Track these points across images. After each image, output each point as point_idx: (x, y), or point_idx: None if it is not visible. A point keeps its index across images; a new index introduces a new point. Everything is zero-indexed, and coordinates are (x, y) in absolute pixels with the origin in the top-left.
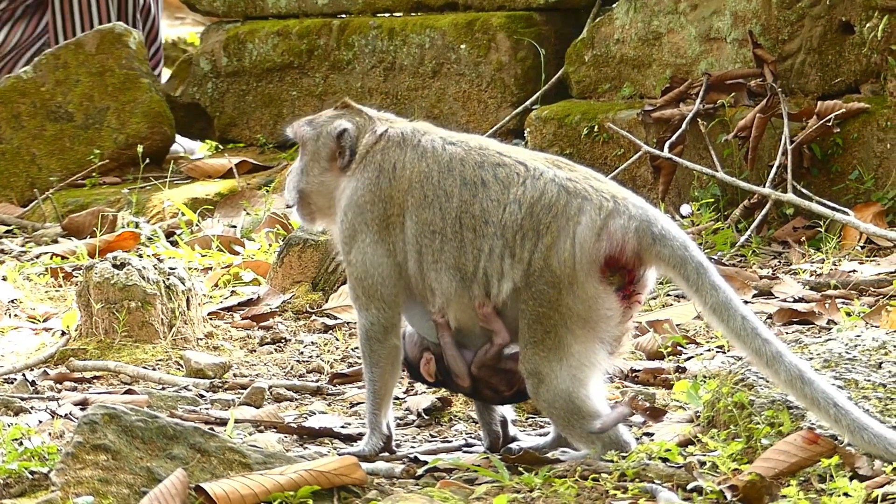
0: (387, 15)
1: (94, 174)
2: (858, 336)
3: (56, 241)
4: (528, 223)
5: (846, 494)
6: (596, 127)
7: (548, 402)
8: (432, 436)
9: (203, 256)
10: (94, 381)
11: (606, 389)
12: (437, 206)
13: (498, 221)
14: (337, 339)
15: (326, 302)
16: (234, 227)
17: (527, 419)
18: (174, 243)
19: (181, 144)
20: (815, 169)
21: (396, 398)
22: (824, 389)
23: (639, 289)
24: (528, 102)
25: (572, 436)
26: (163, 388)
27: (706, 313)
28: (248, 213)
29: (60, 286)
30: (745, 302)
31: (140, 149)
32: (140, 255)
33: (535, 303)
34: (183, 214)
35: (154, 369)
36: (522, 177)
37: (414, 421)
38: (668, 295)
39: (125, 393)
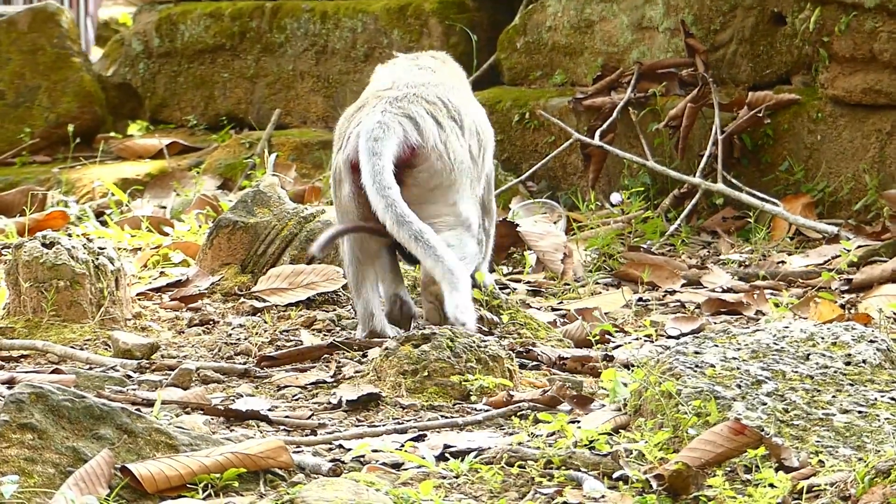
0: None
1: (24, 153)
2: (786, 327)
3: None
4: (338, 133)
5: (771, 485)
6: (527, 114)
7: None
8: (360, 420)
9: (132, 237)
10: (22, 359)
11: (534, 377)
12: None
13: None
14: (265, 322)
15: (255, 285)
16: (164, 207)
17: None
18: (104, 223)
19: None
20: (745, 159)
21: (324, 382)
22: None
23: None
24: None
25: None
26: (90, 368)
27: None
28: (178, 195)
29: None
30: (674, 291)
31: (71, 128)
32: (69, 235)
33: None
34: (113, 194)
35: (82, 349)
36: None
37: (341, 407)
38: (597, 283)
39: (52, 372)
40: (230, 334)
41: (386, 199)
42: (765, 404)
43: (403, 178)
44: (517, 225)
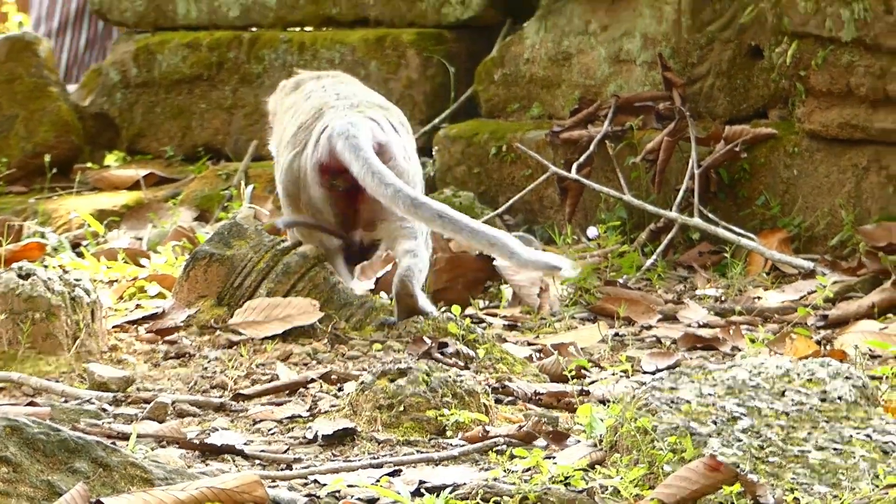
0: (297, 29)
1: (0, 183)
2: (762, 363)
3: None
4: (294, 139)
5: None
6: (504, 147)
7: None
8: (335, 455)
9: (108, 269)
10: None
11: (510, 413)
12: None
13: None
14: (241, 356)
15: (231, 317)
16: (141, 239)
17: None
18: (80, 255)
19: None
20: (721, 194)
21: (300, 416)
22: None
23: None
24: (436, 121)
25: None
26: (66, 401)
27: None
28: (154, 226)
29: None
30: (650, 327)
31: (47, 158)
32: (45, 266)
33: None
34: (89, 225)
35: (57, 381)
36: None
37: (317, 441)
38: (574, 318)
39: (27, 405)
40: (206, 367)
41: (391, 187)
42: (740, 441)
43: None
44: (493, 259)
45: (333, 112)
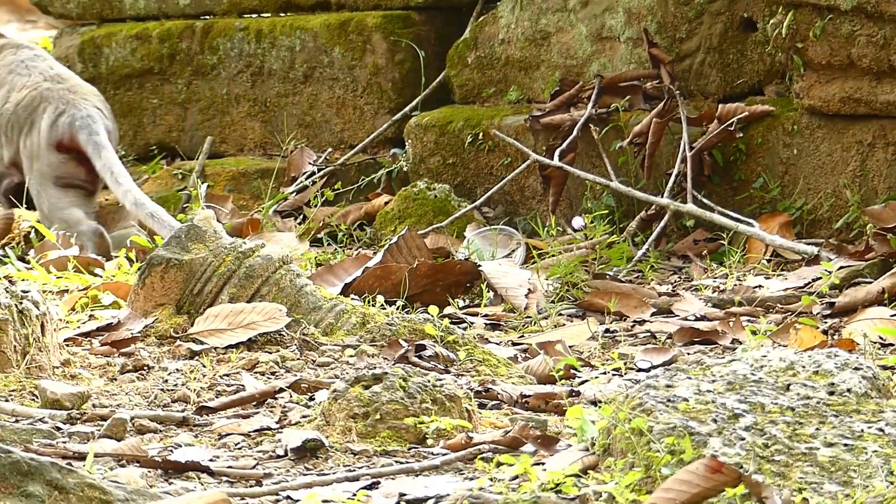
0: (254, 16)
1: None
2: (765, 356)
3: None
4: (16, 119)
5: None
6: (480, 134)
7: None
8: (308, 469)
9: (59, 278)
10: None
11: (495, 417)
12: None
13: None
14: (204, 366)
15: (192, 326)
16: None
17: None
18: (27, 264)
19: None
20: (716, 177)
21: (269, 428)
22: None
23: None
24: (406, 109)
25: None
26: (16, 421)
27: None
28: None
29: None
30: (643, 321)
31: None
32: None
33: (28, 167)
34: (38, 233)
35: (7, 400)
36: (23, 85)
37: (287, 455)
38: (560, 315)
39: None
40: (166, 380)
41: (122, 186)
42: (743, 439)
43: None
44: (479, 265)
45: (57, 95)
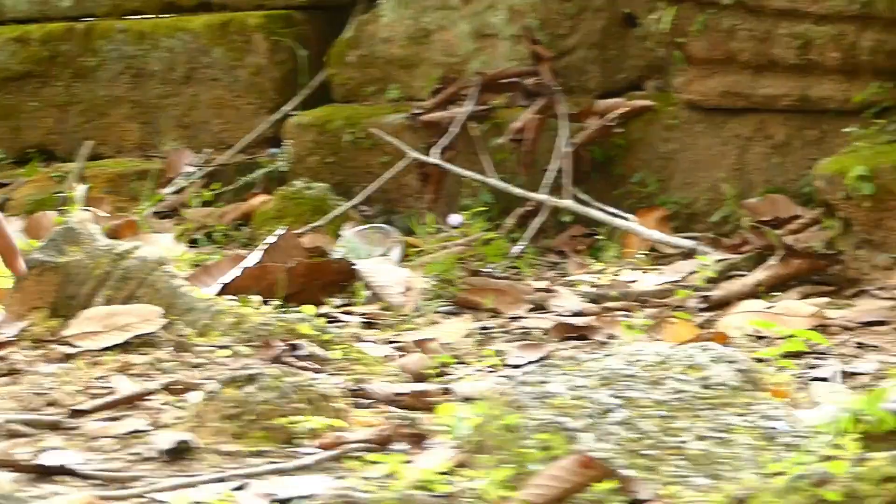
0: (135, 17)
1: None
2: (639, 351)
3: None
4: None
5: None
6: (360, 133)
7: None
8: (178, 471)
9: None
10: None
11: (369, 416)
12: None
13: None
14: (78, 369)
15: (67, 329)
16: None
17: None
18: None
19: None
20: (595, 173)
21: (141, 431)
22: None
23: None
24: (285, 108)
25: None
26: None
27: None
28: None
29: None
30: (519, 317)
31: None
32: None
33: None
34: None
35: None
36: None
37: (157, 457)
38: (437, 312)
39: None
40: (40, 384)
41: None
42: (615, 434)
43: None
44: (353, 264)
45: None
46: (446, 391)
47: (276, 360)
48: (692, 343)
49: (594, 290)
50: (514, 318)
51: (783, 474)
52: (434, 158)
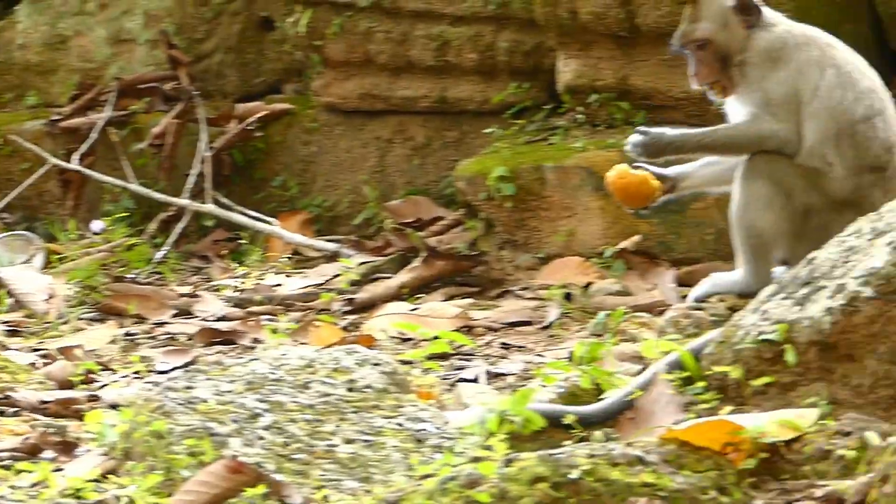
0: None
1: None
2: (284, 355)
3: None
4: None
5: None
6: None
7: None
8: None
9: None
10: None
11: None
12: None
13: None
14: None
15: None
16: None
17: None
18: None
19: None
20: (237, 176)
21: None
22: None
23: None
24: None
25: None
26: None
27: None
28: None
29: None
30: (163, 323)
31: None
32: None
33: None
34: None
35: None
36: None
37: None
38: (81, 319)
39: None
40: None
41: None
42: (263, 439)
43: None
44: None
45: None
46: (93, 398)
47: None
48: (337, 346)
49: (238, 294)
50: (159, 324)
51: (433, 476)
52: (74, 164)
